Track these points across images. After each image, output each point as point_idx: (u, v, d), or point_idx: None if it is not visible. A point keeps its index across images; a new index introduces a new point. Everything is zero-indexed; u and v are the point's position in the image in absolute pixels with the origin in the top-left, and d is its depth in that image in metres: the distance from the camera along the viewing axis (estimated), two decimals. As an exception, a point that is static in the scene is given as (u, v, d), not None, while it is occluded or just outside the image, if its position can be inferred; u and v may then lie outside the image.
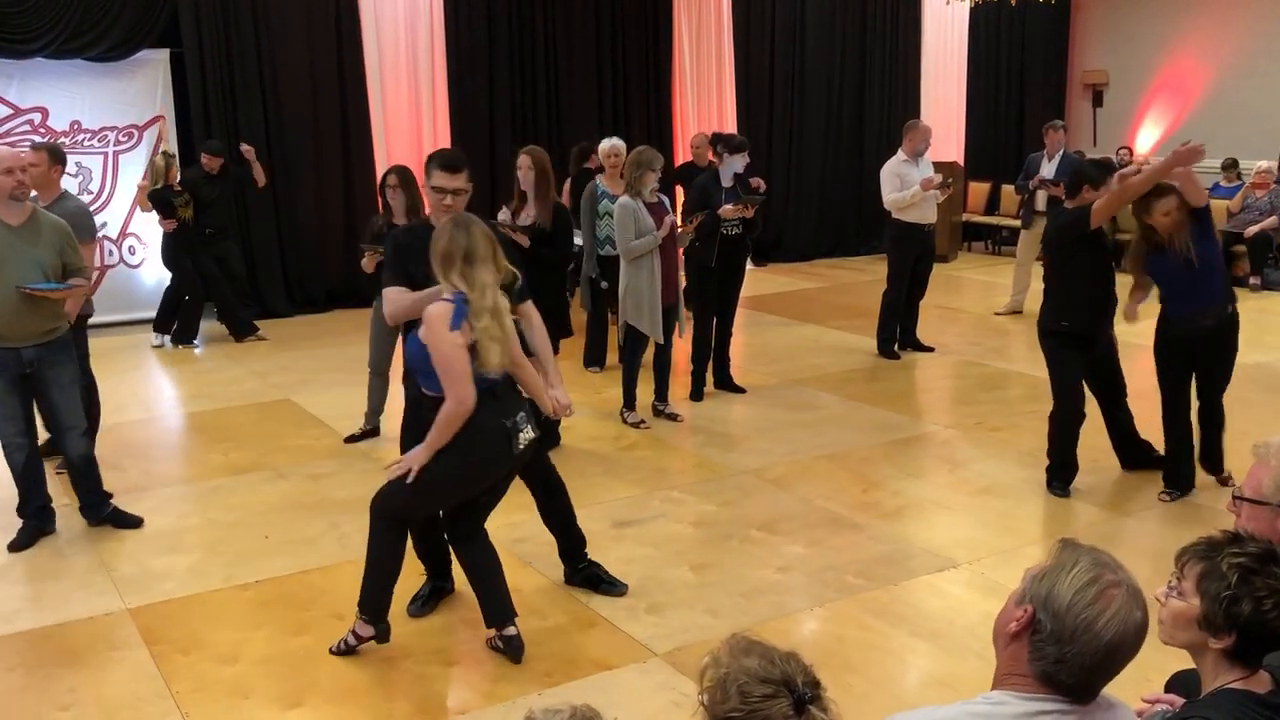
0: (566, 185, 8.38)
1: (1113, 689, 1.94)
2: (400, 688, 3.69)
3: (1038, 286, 9.60)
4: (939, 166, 8.99)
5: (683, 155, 12.10)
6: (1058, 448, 5.39)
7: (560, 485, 4.35)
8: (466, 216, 3.61)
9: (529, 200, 5.85)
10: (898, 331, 8.37)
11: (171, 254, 8.72)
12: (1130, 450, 5.67)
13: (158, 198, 8.54)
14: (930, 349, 8.43)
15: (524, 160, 5.83)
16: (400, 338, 6.15)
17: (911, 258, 8.26)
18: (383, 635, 3.82)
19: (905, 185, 8.08)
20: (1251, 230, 10.89)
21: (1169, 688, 2.41)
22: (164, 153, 8.84)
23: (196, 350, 8.89)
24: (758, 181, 7.20)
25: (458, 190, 3.93)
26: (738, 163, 6.89)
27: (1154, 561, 4.28)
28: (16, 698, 3.65)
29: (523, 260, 5.74)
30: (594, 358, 7.94)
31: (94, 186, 9.53)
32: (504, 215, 6.00)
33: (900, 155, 8.27)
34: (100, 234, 9.56)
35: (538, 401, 3.91)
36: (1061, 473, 5.40)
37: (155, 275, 9.74)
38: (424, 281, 3.71)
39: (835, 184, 13.27)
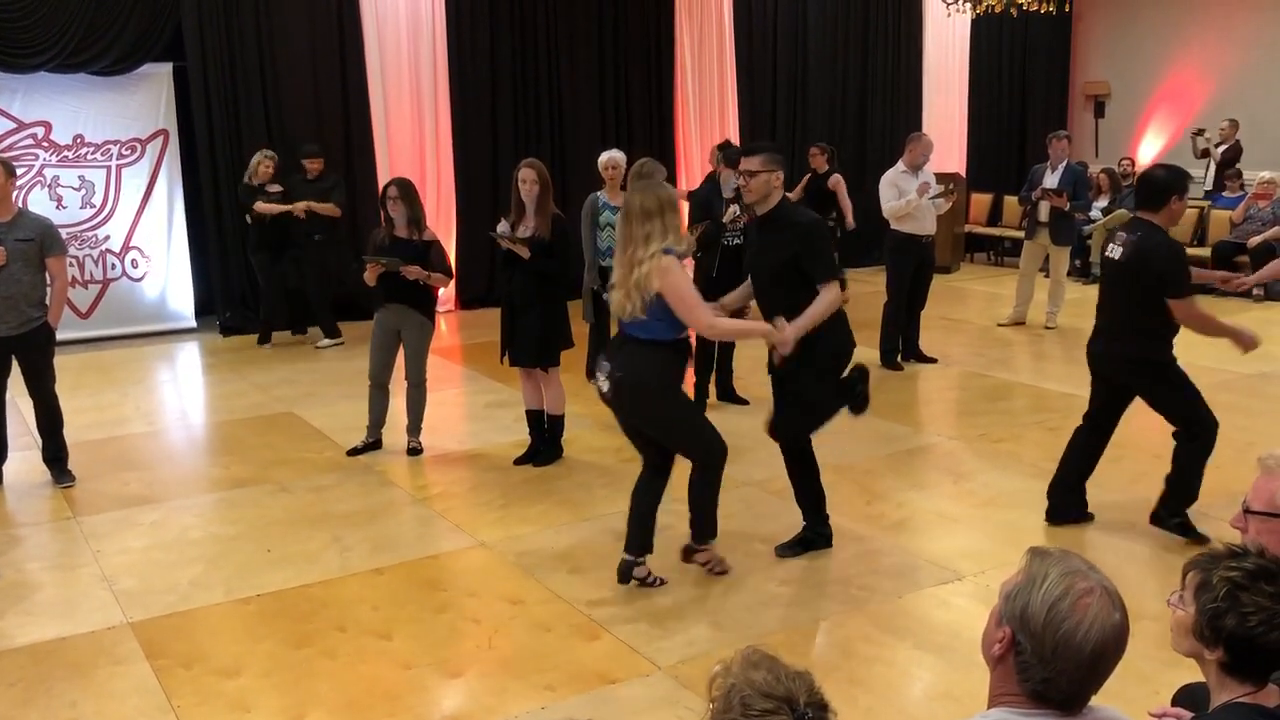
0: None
1: (1120, 703, 1.93)
2: (403, 700, 3.68)
3: (1040, 298, 9.72)
4: (941, 178, 8.98)
5: (684, 167, 12.13)
6: (1199, 480, 4.81)
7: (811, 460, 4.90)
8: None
9: (528, 212, 5.88)
10: (900, 343, 8.36)
11: (251, 248, 9.26)
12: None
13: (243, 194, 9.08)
14: (933, 360, 8.41)
15: (527, 174, 5.86)
16: (399, 351, 6.22)
17: (910, 268, 8.25)
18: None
19: (903, 196, 8.09)
20: (1254, 241, 10.89)
21: (1176, 701, 2.40)
22: (262, 152, 9.12)
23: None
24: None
25: (746, 172, 4.52)
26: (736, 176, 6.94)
27: (1161, 575, 4.26)
28: (18, 713, 3.63)
29: (523, 271, 5.83)
30: (596, 369, 7.92)
31: (97, 200, 9.55)
32: (503, 227, 6.00)
33: (900, 166, 8.29)
34: (103, 247, 9.63)
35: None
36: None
37: (157, 288, 9.76)
38: None
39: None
